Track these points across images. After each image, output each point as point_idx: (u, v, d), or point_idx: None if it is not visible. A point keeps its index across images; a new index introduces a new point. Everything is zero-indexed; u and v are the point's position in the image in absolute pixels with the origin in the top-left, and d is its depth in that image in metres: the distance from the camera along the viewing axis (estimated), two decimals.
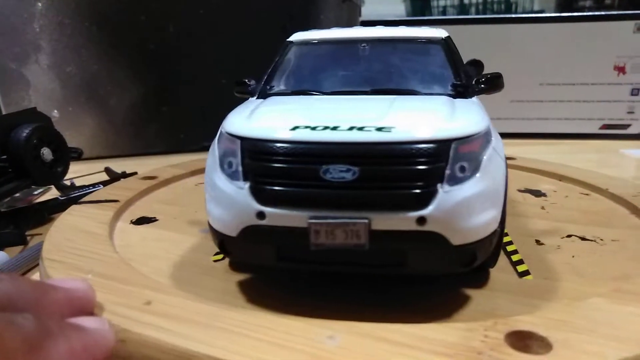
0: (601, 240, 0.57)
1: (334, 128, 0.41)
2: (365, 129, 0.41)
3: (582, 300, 0.42)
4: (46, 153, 0.75)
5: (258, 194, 0.41)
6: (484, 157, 0.42)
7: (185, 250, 0.55)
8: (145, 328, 0.38)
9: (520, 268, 0.49)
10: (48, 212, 0.77)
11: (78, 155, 0.87)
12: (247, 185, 0.41)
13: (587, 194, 0.75)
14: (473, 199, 0.40)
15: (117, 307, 0.40)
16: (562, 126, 1.40)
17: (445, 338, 0.36)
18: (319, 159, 0.40)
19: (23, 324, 0.29)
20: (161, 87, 1.23)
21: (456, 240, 0.39)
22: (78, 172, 0.98)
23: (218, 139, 0.47)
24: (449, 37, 0.67)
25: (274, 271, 0.49)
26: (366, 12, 1.62)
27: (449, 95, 0.55)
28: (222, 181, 0.43)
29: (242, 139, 0.43)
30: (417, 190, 0.39)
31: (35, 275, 0.58)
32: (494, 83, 0.55)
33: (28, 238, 0.68)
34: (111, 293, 0.42)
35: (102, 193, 0.72)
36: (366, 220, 0.39)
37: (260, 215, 0.40)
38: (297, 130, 0.42)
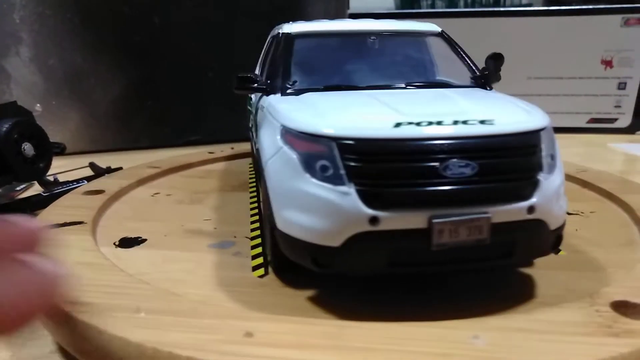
0: (582, 213, 0.64)
1: (439, 123, 0.40)
2: (469, 122, 0.40)
3: (630, 267, 0.47)
4: (27, 148, 0.73)
5: (370, 197, 0.38)
6: (557, 145, 0.44)
7: (211, 269, 0.50)
8: None
9: None
10: (31, 209, 0.75)
11: (61, 150, 0.85)
12: (353, 189, 0.38)
13: None
14: (560, 185, 0.43)
15: (218, 345, 0.35)
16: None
17: (571, 319, 0.38)
18: (438, 155, 0.38)
19: None
20: (146, 80, 1.21)
21: (552, 225, 0.41)
22: (62, 168, 0.96)
23: (288, 141, 0.43)
24: (443, 30, 0.67)
25: (380, 278, 0.46)
26: (354, 5, 1.61)
27: (477, 86, 0.58)
28: (315, 187, 0.39)
29: (339, 140, 0.39)
30: (528, 180, 0.40)
31: None
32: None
33: None
34: (196, 331, 0.36)
35: (52, 214, 0.63)
36: (488, 215, 0.38)
37: (374, 220, 0.38)
38: (403, 127, 0.40)
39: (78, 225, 0.59)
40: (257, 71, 0.85)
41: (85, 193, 0.71)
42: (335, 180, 0.39)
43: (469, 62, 0.62)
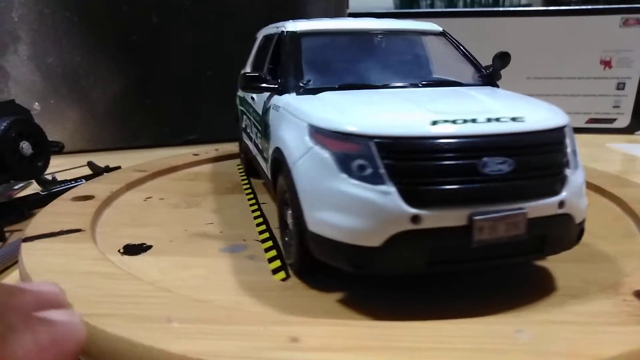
0: None
1: (473, 120, 0.40)
2: (501, 119, 0.41)
3: None
4: (25, 147, 0.73)
5: (412, 196, 0.38)
6: (576, 142, 0.46)
7: (229, 274, 0.49)
8: None
9: None
10: (28, 208, 0.75)
11: (59, 149, 0.85)
12: (394, 188, 0.38)
13: None
14: (584, 181, 0.45)
15: (265, 353, 0.33)
16: None
17: (602, 309, 0.39)
18: (477, 152, 0.39)
19: None
20: (145, 79, 1.21)
21: (578, 218, 0.43)
22: (60, 166, 0.96)
23: (320, 141, 0.42)
24: (444, 30, 0.68)
25: (416, 277, 0.46)
26: (354, 4, 1.61)
27: (486, 85, 0.59)
28: (352, 187, 0.39)
29: (378, 139, 0.39)
30: (558, 176, 0.42)
31: (15, 273, 0.56)
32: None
33: (7, 234, 0.66)
34: (238, 339, 0.35)
35: (45, 221, 0.59)
36: (525, 210, 0.39)
37: (416, 219, 0.38)
38: (440, 125, 0.40)
39: (76, 233, 0.57)
40: (248, 67, 0.84)
41: (74, 199, 0.69)
42: (374, 179, 0.38)
43: (473, 60, 0.63)
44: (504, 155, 0.39)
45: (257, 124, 0.67)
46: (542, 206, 0.40)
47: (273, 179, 0.56)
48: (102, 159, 0.98)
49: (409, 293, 0.45)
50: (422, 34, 0.68)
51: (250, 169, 0.86)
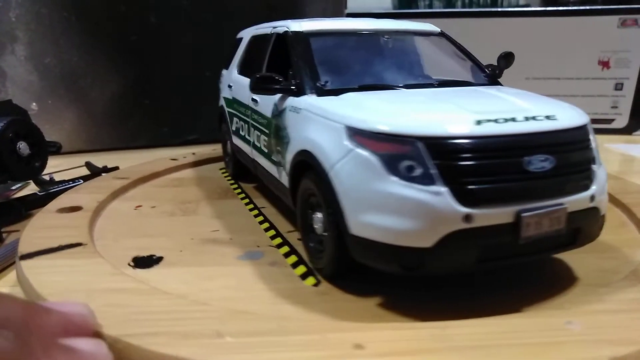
0: None
1: (513, 119, 0.42)
2: (537, 118, 0.43)
3: None
4: (23, 147, 0.73)
5: (463, 195, 0.38)
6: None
7: (258, 283, 0.48)
8: None
9: None
10: (26, 208, 0.74)
11: (56, 150, 0.85)
12: (445, 188, 0.38)
13: None
14: (606, 176, 0.47)
15: None
16: None
17: (637, 296, 0.41)
18: (522, 151, 0.40)
19: (1, 343, 0.27)
20: (143, 79, 1.21)
21: (602, 211, 0.45)
22: (58, 167, 0.96)
23: (362, 143, 0.42)
24: (442, 30, 0.69)
25: (465, 275, 0.46)
26: (352, 5, 1.61)
27: (493, 84, 0.60)
28: (402, 188, 0.39)
29: (428, 139, 0.39)
30: (588, 171, 0.44)
31: (12, 275, 0.56)
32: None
33: (4, 235, 0.66)
34: (301, 349, 0.34)
35: (38, 237, 0.56)
36: (565, 205, 0.41)
37: (468, 218, 0.38)
38: (485, 124, 0.41)
39: (78, 247, 0.53)
40: (235, 70, 0.82)
41: (60, 211, 0.65)
42: (424, 180, 0.38)
43: (476, 61, 0.64)
44: (545, 152, 0.41)
45: (261, 127, 0.65)
46: (578, 201, 0.42)
47: (292, 182, 0.54)
48: (100, 160, 0.98)
49: (436, 292, 0.46)
50: (424, 35, 0.68)
51: (239, 172, 0.85)
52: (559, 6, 1.63)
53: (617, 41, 1.34)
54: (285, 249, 0.57)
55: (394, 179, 0.39)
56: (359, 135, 0.42)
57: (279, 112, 0.58)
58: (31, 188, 0.85)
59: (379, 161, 0.40)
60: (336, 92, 0.51)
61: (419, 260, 0.39)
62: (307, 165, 0.49)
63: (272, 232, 0.62)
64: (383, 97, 0.50)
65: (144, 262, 0.54)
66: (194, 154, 1.00)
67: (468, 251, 0.40)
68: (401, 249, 0.39)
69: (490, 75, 0.62)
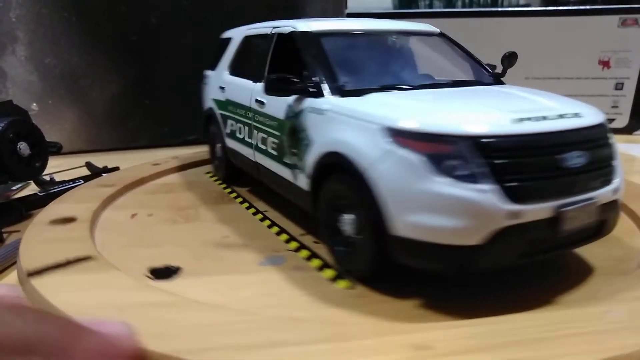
0: None
1: (544, 118, 0.43)
2: (565, 116, 0.44)
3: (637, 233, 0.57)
4: (23, 148, 0.73)
5: (509, 192, 0.39)
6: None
7: (290, 289, 0.48)
8: None
9: None
10: (26, 208, 0.74)
11: (57, 150, 0.85)
12: (492, 186, 0.39)
13: None
14: (622, 170, 0.49)
15: None
16: None
17: None
18: (560, 147, 0.42)
19: None
20: (143, 79, 1.21)
21: (619, 202, 0.48)
22: (58, 167, 0.96)
23: (402, 143, 0.41)
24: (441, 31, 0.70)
25: (508, 270, 0.47)
26: (352, 4, 1.61)
27: (497, 83, 0.61)
28: (450, 188, 0.39)
29: (474, 138, 0.39)
30: (612, 166, 0.46)
31: (12, 274, 0.56)
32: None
33: (5, 235, 0.66)
34: (369, 354, 0.34)
35: (41, 251, 0.52)
36: (597, 199, 0.43)
37: (514, 214, 0.39)
38: (524, 123, 0.42)
39: (88, 261, 0.50)
40: (226, 72, 0.80)
41: (53, 222, 0.61)
42: (471, 178, 0.39)
43: (478, 60, 0.65)
44: (579, 149, 0.42)
45: (269, 129, 0.64)
46: (605, 194, 0.44)
47: (315, 184, 0.53)
48: (100, 160, 0.98)
49: (463, 289, 0.47)
50: (426, 35, 0.68)
51: (231, 176, 0.83)
52: (559, 6, 1.63)
53: (617, 41, 1.34)
54: (305, 252, 0.56)
55: (441, 178, 0.40)
56: (400, 135, 0.42)
57: (295, 114, 0.57)
58: (32, 188, 0.85)
59: (425, 161, 0.40)
60: (359, 93, 0.51)
61: (467, 258, 0.40)
62: (336, 167, 0.49)
63: (284, 236, 0.61)
64: (411, 97, 0.50)
65: (163, 273, 0.51)
66: (176, 157, 0.97)
67: (513, 247, 0.41)
68: (449, 248, 0.40)
69: (494, 74, 0.63)
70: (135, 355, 0.31)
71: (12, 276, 0.56)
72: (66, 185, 0.82)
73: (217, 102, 0.83)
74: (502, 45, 1.37)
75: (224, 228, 0.64)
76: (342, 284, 0.49)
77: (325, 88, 0.53)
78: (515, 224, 0.39)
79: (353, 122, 0.47)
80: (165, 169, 0.90)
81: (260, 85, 0.66)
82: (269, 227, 0.65)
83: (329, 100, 0.52)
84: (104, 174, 0.89)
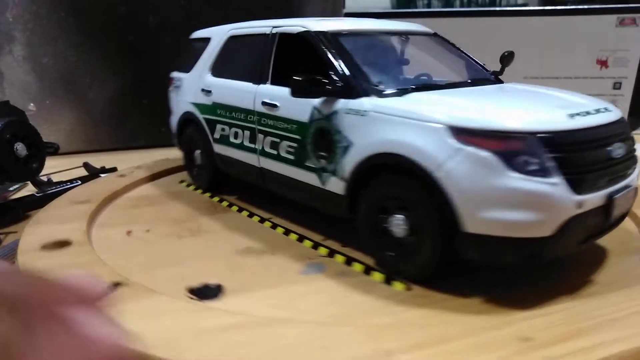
0: None
1: (587, 113, 0.47)
2: (600, 111, 0.48)
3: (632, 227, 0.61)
4: (20, 148, 0.72)
5: (574, 184, 0.42)
6: None
7: (347, 296, 0.47)
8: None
9: None
10: (23, 210, 0.74)
11: (54, 150, 0.84)
12: (560, 179, 0.41)
13: None
14: None
15: (516, 357, 0.35)
16: None
17: None
18: (608, 140, 0.46)
19: None
20: (141, 79, 1.20)
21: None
22: (56, 168, 0.95)
23: (472, 142, 0.42)
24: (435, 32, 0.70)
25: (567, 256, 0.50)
26: (350, 4, 1.61)
27: (499, 82, 0.63)
28: (523, 183, 0.41)
29: (543, 134, 0.42)
30: (636, 156, 0.50)
31: None
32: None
33: (2, 237, 0.66)
34: (480, 352, 0.35)
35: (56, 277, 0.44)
36: (635, 186, 0.48)
37: (579, 204, 0.42)
38: (577, 118, 0.45)
39: (121, 287, 0.46)
40: (209, 74, 0.76)
41: (45, 248, 0.55)
42: (542, 173, 0.41)
43: (475, 60, 0.66)
44: (619, 140, 0.46)
45: (284, 132, 0.61)
46: (633, 181, 0.48)
47: (354, 187, 0.53)
48: (98, 160, 0.98)
49: (502, 281, 0.49)
50: (422, 35, 0.68)
51: (216, 184, 0.79)
52: (557, 5, 1.63)
53: (615, 40, 1.34)
54: (340, 257, 0.55)
55: (514, 174, 0.41)
56: (468, 134, 0.43)
57: (325, 116, 0.55)
58: (29, 189, 0.85)
59: (497, 158, 0.41)
60: (397, 93, 0.51)
61: (539, 248, 0.42)
62: (386, 168, 0.49)
63: (308, 243, 0.59)
64: (456, 96, 0.52)
65: (205, 292, 0.48)
66: (139, 167, 0.91)
67: (577, 234, 0.44)
68: (522, 240, 0.42)
69: (494, 73, 0.64)
70: (101, 296, 0.31)
71: None
72: (64, 186, 0.81)
73: (200, 105, 0.78)
74: (500, 44, 1.37)
75: (237, 239, 0.61)
76: (398, 286, 0.48)
77: (362, 89, 0.52)
78: (580, 213, 0.42)
79: (410, 123, 0.47)
80: (134, 180, 0.83)
81: (265, 87, 0.64)
82: (285, 234, 0.62)
83: (369, 101, 0.51)
84: (101, 175, 0.89)
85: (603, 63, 1.36)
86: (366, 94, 0.52)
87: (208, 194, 0.79)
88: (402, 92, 0.51)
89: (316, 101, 0.56)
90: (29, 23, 1.09)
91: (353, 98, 0.52)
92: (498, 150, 0.41)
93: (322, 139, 0.56)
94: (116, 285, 0.46)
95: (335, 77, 0.54)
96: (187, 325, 0.40)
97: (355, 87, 0.53)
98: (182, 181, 0.87)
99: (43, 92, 1.14)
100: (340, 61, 0.55)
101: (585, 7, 1.37)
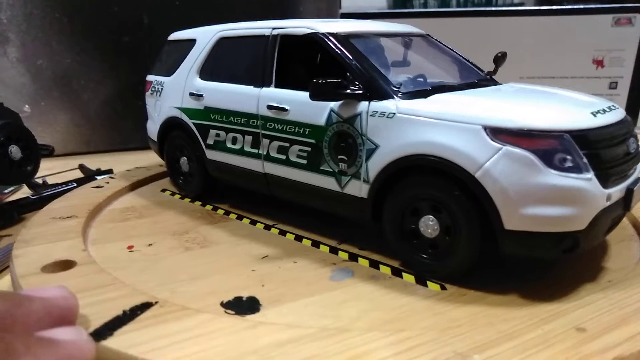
0: None
1: (604, 111, 0.49)
2: (612, 108, 0.51)
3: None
4: (14, 151, 0.72)
5: (604, 178, 0.44)
6: None
7: (387, 300, 0.46)
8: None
9: None
10: (18, 212, 0.74)
11: (49, 153, 0.84)
12: (592, 174, 0.44)
13: None
14: None
15: (583, 348, 0.36)
16: None
17: None
18: (625, 135, 0.49)
19: None
20: (137, 80, 1.19)
21: None
22: (51, 169, 0.95)
23: (510, 141, 0.43)
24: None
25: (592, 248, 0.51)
26: (346, 4, 1.61)
27: (496, 83, 0.64)
28: (562, 179, 0.43)
29: (573, 132, 0.44)
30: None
31: (6, 278, 0.55)
32: None
33: None
34: (540, 348, 0.36)
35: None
36: None
37: (609, 197, 0.45)
38: (600, 116, 0.47)
39: (152, 308, 0.43)
40: (196, 77, 0.73)
41: (47, 271, 0.51)
42: (577, 169, 0.43)
43: (469, 61, 0.66)
44: (632, 136, 0.50)
45: (295, 137, 0.59)
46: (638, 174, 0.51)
47: (379, 190, 0.52)
48: (94, 162, 0.97)
49: (525, 275, 0.51)
50: (415, 36, 0.68)
51: (206, 192, 0.76)
52: (553, 5, 1.64)
53: (611, 40, 1.34)
54: (364, 261, 0.54)
55: (553, 171, 0.43)
56: (504, 134, 0.44)
57: (346, 119, 0.54)
58: (24, 192, 0.84)
59: (536, 157, 0.43)
60: (422, 94, 0.51)
61: (575, 242, 0.44)
62: (416, 169, 0.49)
63: (324, 248, 0.58)
64: (481, 96, 0.53)
65: (241, 306, 0.45)
66: (113, 177, 0.86)
67: (604, 226, 0.46)
68: (560, 235, 0.44)
69: (489, 74, 0.65)
70: (76, 314, 0.35)
71: (5, 280, 0.55)
72: (59, 188, 0.81)
73: (188, 110, 0.74)
74: (496, 44, 1.37)
75: (250, 248, 0.59)
76: (434, 286, 0.49)
77: (385, 91, 0.52)
78: (608, 206, 0.45)
79: (444, 124, 0.47)
80: (114, 191, 0.78)
81: (269, 91, 0.62)
82: (296, 240, 0.61)
83: (394, 103, 0.51)
84: (96, 177, 0.88)
85: (599, 63, 1.36)
86: (390, 96, 0.51)
87: (198, 203, 0.76)
88: (424, 93, 0.51)
89: (333, 104, 0.55)
90: (23, 24, 1.09)
91: (377, 100, 0.52)
92: (536, 149, 0.43)
93: (342, 142, 0.55)
94: (147, 305, 0.43)
95: (356, 80, 0.53)
96: (246, 344, 0.38)
97: (379, 89, 0.52)
98: (164, 190, 0.82)
99: (38, 94, 1.13)
100: (360, 63, 0.54)
101: (581, 7, 1.38)
